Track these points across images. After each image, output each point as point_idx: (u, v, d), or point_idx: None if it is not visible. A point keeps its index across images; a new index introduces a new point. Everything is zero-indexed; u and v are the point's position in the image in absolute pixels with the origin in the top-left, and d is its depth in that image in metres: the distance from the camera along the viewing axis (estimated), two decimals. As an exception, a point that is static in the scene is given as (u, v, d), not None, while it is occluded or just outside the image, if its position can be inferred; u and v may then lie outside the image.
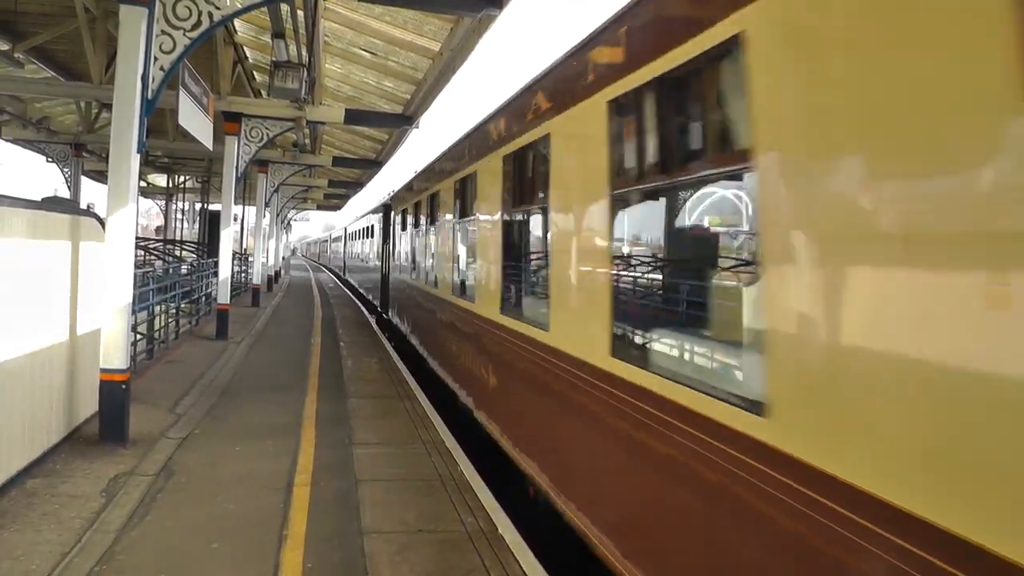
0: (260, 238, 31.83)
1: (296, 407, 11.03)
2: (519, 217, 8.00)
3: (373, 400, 11.75)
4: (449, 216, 11.90)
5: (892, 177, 2.75)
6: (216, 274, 21.18)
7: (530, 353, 7.04)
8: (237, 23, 18.99)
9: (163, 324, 16.43)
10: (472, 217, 10.07)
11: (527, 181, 7.68)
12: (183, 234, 48.23)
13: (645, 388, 4.63)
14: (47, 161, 28.25)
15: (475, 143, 9.90)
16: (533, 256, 7.51)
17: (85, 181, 30.83)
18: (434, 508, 7.04)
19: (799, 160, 3.29)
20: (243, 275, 33.78)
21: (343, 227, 53.07)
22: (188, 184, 44.72)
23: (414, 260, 16.68)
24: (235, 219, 25.10)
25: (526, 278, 7.74)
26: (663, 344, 4.82)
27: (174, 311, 17.64)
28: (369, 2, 12.77)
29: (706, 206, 4.65)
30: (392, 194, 22.10)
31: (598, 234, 5.47)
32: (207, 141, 14.57)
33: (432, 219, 13.74)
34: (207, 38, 9.98)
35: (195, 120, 13.20)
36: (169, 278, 17.99)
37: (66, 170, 27.69)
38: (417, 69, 17.67)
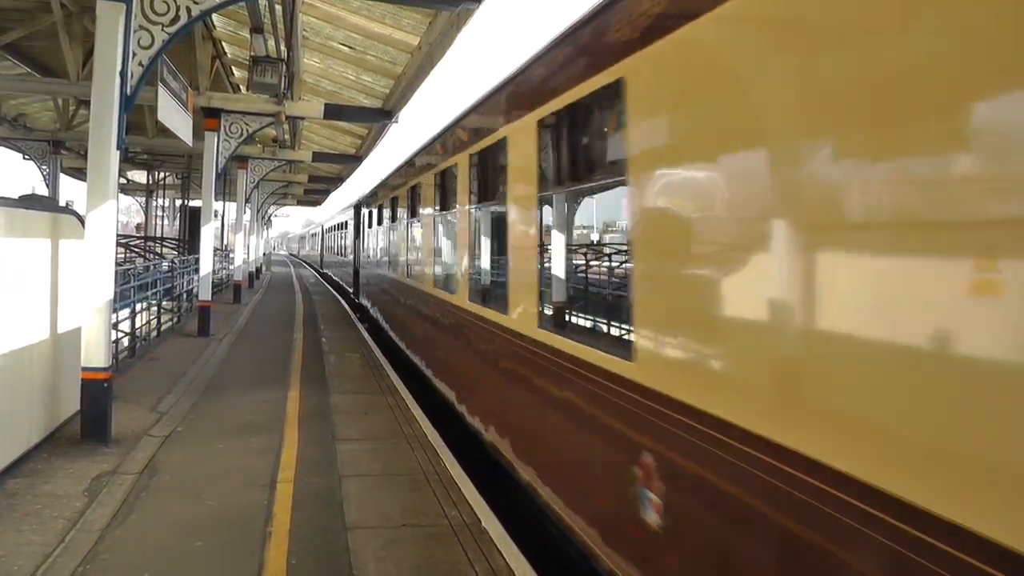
0: (241, 234, 31.68)
1: (279, 403, 11.02)
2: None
3: (356, 396, 11.75)
4: None
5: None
6: (197, 271, 21.09)
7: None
8: (215, 18, 18.86)
9: (145, 322, 16.35)
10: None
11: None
12: (164, 231, 47.91)
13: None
14: (24, 158, 28.02)
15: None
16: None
17: (64, 178, 30.57)
18: (418, 502, 7.07)
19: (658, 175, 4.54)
20: (224, 271, 33.63)
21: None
22: (168, 180, 44.39)
23: None
24: (216, 215, 24.99)
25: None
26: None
27: (156, 308, 17.55)
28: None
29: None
30: None
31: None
32: (187, 137, 14.50)
33: None
34: (185, 33, 9.94)
35: (174, 116, 13.13)
36: (150, 275, 17.89)
37: (44, 168, 27.47)
38: (396, 63, 17.63)
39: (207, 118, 19.09)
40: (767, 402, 3.36)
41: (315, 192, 55.16)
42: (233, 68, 23.88)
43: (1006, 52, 2.36)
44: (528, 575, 5.64)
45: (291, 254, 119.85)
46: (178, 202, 45.58)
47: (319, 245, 58.58)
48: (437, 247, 12.06)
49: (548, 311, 6.49)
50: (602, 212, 6.81)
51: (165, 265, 22.02)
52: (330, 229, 45.70)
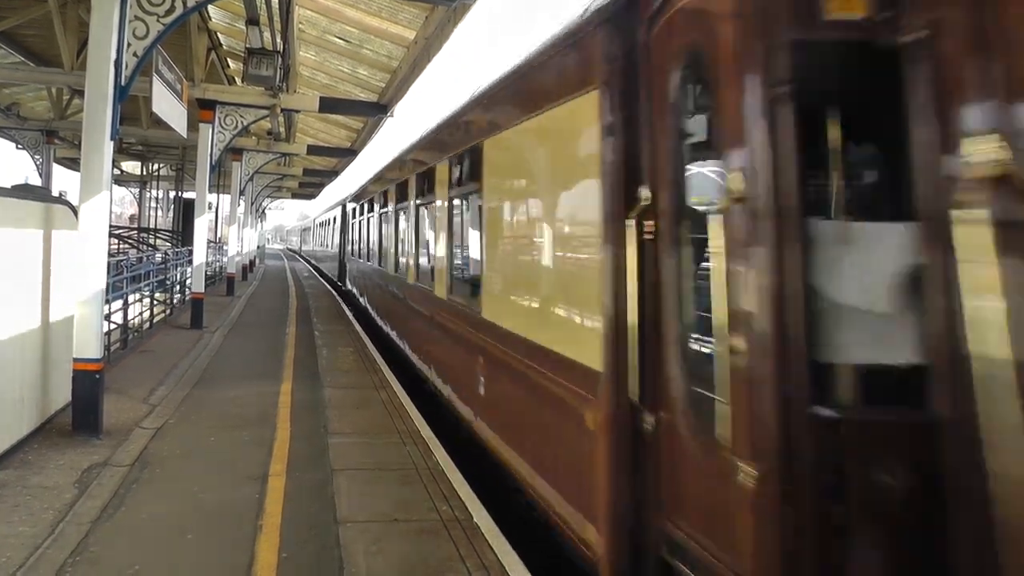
0: (235, 226, 31.59)
1: (271, 397, 10.99)
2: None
3: (349, 390, 11.73)
4: None
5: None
6: (190, 263, 21.03)
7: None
8: (211, 9, 18.80)
9: (137, 313, 16.29)
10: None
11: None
12: (157, 222, 47.75)
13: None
14: (17, 148, 27.87)
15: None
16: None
17: (57, 168, 30.46)
18: (409, 497, 7.06)
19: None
20: (218, 264, 33.56)
21: None
22: (162, 172, 44.27)
23: None
24: (209, 207, 24.93)
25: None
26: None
27: (148, 300, 17.50)
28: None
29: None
30: None
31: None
32: (181, 128, 14.45)
33: None
34: (180, 24, 9.90)
35: (169, 107, 13.08)
36: (143, 267, 17.84)
37: (37, 157, 27.35)
38: (392, 57, 17.60)
39: (202, 109, 19.03)
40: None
41: (309, 185, 55.01)
42: (228, 60, 23.83)
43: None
44: (519, 570, 5.64)
45: (290, 249, 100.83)
46: (172, 193, 45.40)
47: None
48: None
49: None
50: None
51: (158, 257, 21.96)
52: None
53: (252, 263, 44.30)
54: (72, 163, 34.19)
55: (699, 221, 4.10)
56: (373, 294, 19.54)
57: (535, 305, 6.34)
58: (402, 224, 14.60)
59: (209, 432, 9.12)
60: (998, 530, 2.57)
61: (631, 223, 4.51)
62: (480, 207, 8.28)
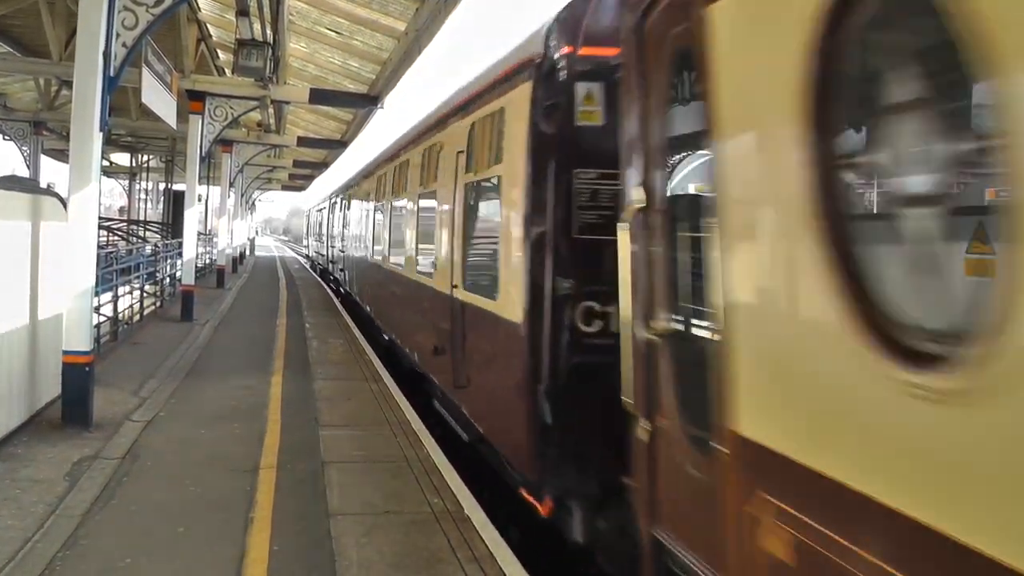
0: (225, 218, 31.48)
1: (262, 389, 10.98)
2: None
3: (339, 382, 11.74)
4: None
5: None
6: (180, 255, 20.97)
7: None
8: (200, 0, 18.70)
9: (127, 306, 16.23)
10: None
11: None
12: (147, 214, 47.51)
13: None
14: (4, 139, 27.67)
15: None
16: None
17: (45, 160, 30.23)
18: (401, 489, 7.08)
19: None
20: (208, 256, 33.45)
21: None
22: (152, 163, 44.03)
23: None
24: (199, 199, 24.80)
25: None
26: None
27: (138, 293, 17.44)
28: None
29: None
30: None
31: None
32: (171, 120, 14.42)
33: None
34: (170, 15, 9.84)
35: (158, 98, 13.04)
36: (133, 259, 17.77)
37: (24, 148, 27.13)
38: (382, 49, 17.53)
39: (192, 101, 18.93)
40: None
41: (299, 177, 54.88)
42: (218, 51, 23.67)
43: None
44: (510, 562, 5.66)
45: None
46: (162, 185, 45.15)
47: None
48: None
49: None
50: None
51: (148, 249, 21.85)
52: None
53: (242, 255, 44.16)
54: (60, 154, 33.91)
55: None
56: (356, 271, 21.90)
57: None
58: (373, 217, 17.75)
59: (200, 424, 9.11)
60: None
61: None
62: (410, 208, 12.01)
